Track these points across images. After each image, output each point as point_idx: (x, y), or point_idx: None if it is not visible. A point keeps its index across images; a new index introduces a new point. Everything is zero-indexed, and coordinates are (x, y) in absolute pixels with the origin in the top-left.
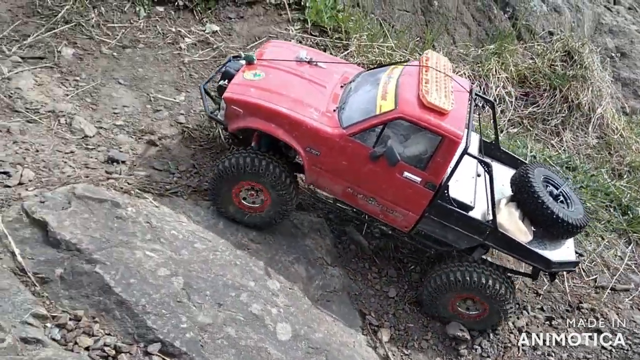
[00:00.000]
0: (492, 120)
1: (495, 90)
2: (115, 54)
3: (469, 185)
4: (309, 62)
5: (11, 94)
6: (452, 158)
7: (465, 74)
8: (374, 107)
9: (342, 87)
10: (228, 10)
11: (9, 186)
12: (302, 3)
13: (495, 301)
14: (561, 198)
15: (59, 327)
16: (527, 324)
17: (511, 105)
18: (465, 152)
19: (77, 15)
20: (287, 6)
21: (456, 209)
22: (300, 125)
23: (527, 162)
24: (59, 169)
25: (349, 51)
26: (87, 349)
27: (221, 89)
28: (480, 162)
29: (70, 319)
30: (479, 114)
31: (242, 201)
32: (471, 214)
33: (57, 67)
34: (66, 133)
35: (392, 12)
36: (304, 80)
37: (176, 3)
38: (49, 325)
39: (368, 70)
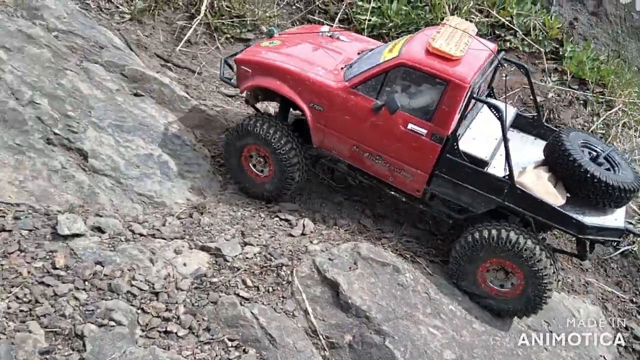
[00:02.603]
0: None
1: None
2: None
3: (490, 144)
4: (331, 37)
5: None
6: (458, 106)
7: None
8: (379, 59)
9: (359, 54)
10: None
11: (293, 235)
12: (561, 53)
13: (533, 271)
14: (603, 162)
15: None
16: None
17: None
18: (471, 95)
19: None
20: (543, 55)
21: (467, 163)
22: (304, 80)
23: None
24: (333, 220)
25: (613, 110)
26: None
27: None
28: (489, 105)
29: None
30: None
31: (251, 167)
32: (485, 170)
33: None
34: (331, 180)
35: None
36: (319, 48)
37: None
38: None
39: None
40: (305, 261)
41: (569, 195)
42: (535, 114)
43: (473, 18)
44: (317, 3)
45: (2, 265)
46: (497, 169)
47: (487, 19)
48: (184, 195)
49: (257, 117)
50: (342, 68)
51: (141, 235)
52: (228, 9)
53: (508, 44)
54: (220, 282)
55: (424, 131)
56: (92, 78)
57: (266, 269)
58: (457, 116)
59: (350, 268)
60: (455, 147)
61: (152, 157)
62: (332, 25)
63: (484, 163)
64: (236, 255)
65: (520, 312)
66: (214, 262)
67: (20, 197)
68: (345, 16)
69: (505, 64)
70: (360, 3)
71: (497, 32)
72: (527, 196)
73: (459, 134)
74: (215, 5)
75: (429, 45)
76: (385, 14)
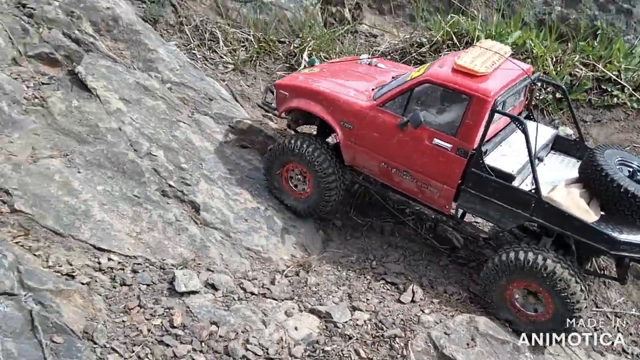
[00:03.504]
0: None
1: None
2: None
3: (519, 162)
4: (369, 64)
5: None
6: (483, 120)
7: None
8: (407, 79)
9: (393, 78)
10: (583, 112)
11: (402, 302)
12: None
13: (563, 298)
14: None
15: None
16: None
17: None
18: (494, 109)
19: None
20: None
21: (493, 178)
22: (335, 100)
23: None
24: (442, 287)
25: None
26: None
27: None
28: (511, 117)
29: None
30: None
31: (289, 181)
32: (512, 184)
33: None
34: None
35: None
36: (355, 73)
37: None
38: None
39: None
40: (419, 334)
41: (603, 213)
42: (578, 136)
43: (578, 72)
44: (413, 54)
45: (124, 321)
46: (527, 187)
47: (592, 73)
48: (289, 251)
49: (299, 137)
50: (372, 89)
51: (252, 294)
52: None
53: (615, 100)
54: (333, 351)
55: (450, 146)
56: (203, 130)
57: (379, 339)
58: (481, 130)
59: (468, 344)
60: (481, 161)
61: (258, 210)
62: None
63: (510, 177)
64: (346, 322)
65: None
66: (324, 327)
67: (137, 249)
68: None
69: (539, 83)
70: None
71: (603, 86)
72: (555, 210)
73: (486, 150)
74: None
75: (454, 63)
76: None
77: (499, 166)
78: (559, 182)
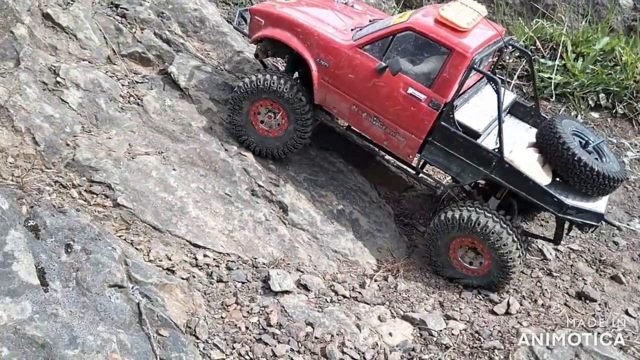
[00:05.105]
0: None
1: None
2: None
3: (485, 120)
4: (346, 4)
5: None
6: (459, 75)
7: None
8: (389, 23)
9: (370, 22)
10: None
11: (496, 313)
12: None
13: (500, 254)
14: (592, 151)
15: None
16: None
17: None
18: (472, 66)
19: None
20: None
21: (460, 133)
22: (313, 34)
23: None
24: (542, 300)
25: None
26: None
27: None
28: (487, 76)
29: None
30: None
31: (260, 123)
32: (477, 142)
33: None
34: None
35: None
36: (332, 11)
37: (614, 110)
38: None
39: None
40: (520, 347)
41: (558, 180)
42: (534, 103)
43: None
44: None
45: (222, 318)
46: (489, 144)
47: None
48: (375, 255)
49: (269, 72)
50: (352, 29)
51: (344, 297)
52: None
53: None
54: (431, 359)
55: (423, 97)
56: None
57: (477, 350)
58: (456, 85)
59: None
60: (451, 115)
61: (344, 213)
62: None
63: (476, 135)
64: (441, 330)
65: (483, 287)
66: (418, 334)
67: (230, 247)
68: (526, 73)
69: (510, 48)
70: (542, 60)
71: None
72: (514, 171)
73: (457, 105)
74: None
75: (438, 15)
76: (570, 72)
77: (466, 122)
78: (516, 145)
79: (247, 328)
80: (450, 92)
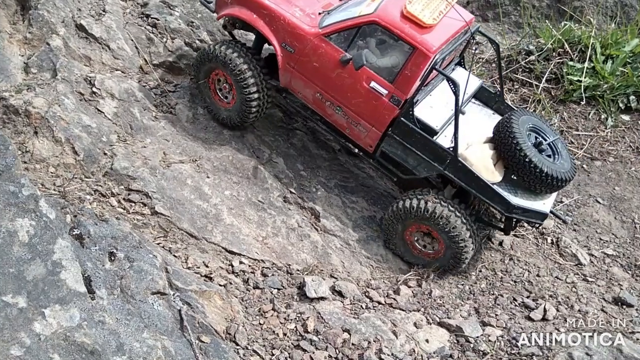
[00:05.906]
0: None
1: None
2: (584, 165)
3: (444, 115)
4: None
5: None
6: (420, 73)
7: None
8: (356, 12)
9: (340, 1)
10: None
11: (532, 319)
12: None
13: (452, 241)
14: (546, 149)
15: None
16: None
17: None
18: (433, 66)
19: None
20: None
21: (418, 130)
22: (279, 18)
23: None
24: (578, 304)
25: None
26: None
27: None
28: (447, 78)
29: None
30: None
31: (217, 92)
32: (434, 139)
33: None
34: (556, 255)
35: None
36: None
37: None
38: None
39: None
40: (559, 353)
41: (514, 177)
42: (499, 89)
43: None
44: (521, 62)
45: (260, 324)
46: (447, 138)
47: None
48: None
49: (225, 43)
50: (320, 13)
51: (379, 303)
52: None
53: None
54: None
55: (385, 92)
56: (317, 139)
57: (515, 357)
58: (417, 83)
59: None
60: (411, 112)
61: (374, 219)
62: None
63: (434, 132)
64: (478, 337)
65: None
66: (455, 341)
67: (264, 254)
68: (553, 76)
69: (478, 36)
70: (571, 63)
71: None
72: (465, 169)
73: (417, 100)
74: None
75: (404, 8)
76: (600, 74)
77: (425, 119)
78: (475, 137)
79: (284, 334)
80: (410, 90)
